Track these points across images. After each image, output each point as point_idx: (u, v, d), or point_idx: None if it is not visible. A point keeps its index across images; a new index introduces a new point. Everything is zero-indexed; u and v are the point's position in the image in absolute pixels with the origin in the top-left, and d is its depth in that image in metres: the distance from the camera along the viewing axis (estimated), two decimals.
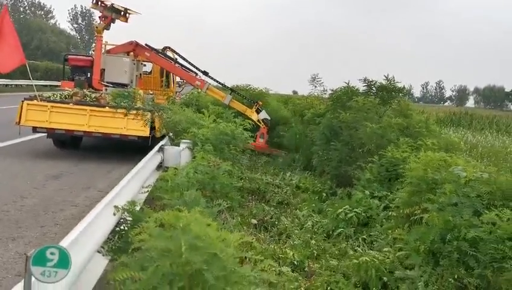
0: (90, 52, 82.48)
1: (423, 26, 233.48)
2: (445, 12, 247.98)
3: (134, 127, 9.26)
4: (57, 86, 31.92)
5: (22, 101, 9.75)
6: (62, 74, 13.44)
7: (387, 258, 4.35)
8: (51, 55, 61.67)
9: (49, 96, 10.40)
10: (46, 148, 10.90)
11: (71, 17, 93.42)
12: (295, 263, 4.65)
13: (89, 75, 11.75)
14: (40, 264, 2.04)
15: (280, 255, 4.73)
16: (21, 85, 35.52)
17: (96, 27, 11.92)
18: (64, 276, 2.06)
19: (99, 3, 11.61)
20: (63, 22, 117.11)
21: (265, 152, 11.84)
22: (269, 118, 12.16)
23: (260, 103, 12.49)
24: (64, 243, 2.63)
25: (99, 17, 11.76)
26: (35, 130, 10.05)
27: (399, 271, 4.04)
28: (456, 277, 3.70)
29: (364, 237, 5.45)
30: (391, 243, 4.78)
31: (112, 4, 11.68)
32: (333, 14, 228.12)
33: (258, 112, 12.06)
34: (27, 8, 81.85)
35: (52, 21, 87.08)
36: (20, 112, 9.65)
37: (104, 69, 11.77)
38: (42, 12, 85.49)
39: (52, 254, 2.04)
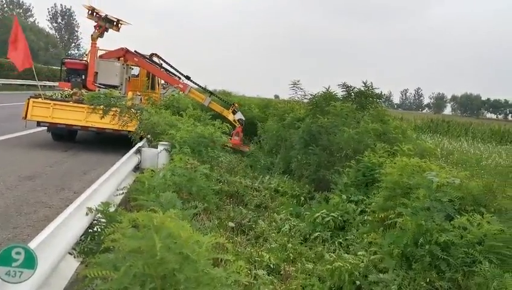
0: (69, 52, 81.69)
1: (403, 35, 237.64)
2: (425, 21, 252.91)
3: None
4: (34, 85, 31.56)
5: (28, 99, 11.04)
6: (59, 75, 14.84)
7: (362, 262, 4.39)
8: None
9: (52, 95, 11.87)
10: (20, 149, 10.69)
11: (50, 16, 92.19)
12: (271, 266, 4.65)
13: (83, 77, 13.05)
14: (5, 264, 1.99)
15: (256, 259, 4.72)
16: None
17: (92, 35, 13.19)
18: (29, 276, 2.01)
19: (95, 14, 12.93)
20: (42, 20, 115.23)
21: (239, 149, 12.52)
22: (244, 119, 13.00)
23: (236, 104, 13.43)
24: (33, 244, 2.57)
25: (94, 26, 13.06)
26: (39, 124, 11.36)
27: (373, 275, 4.07)
28: (428, 280, 3.76)
29: (340, 240, 5.49)
30: (366, 247, 4.82)
31: (106, 15, 13.05)
32: (316, 22, 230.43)
33: (234, 112, 13.01)
34: (5, 5, 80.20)
35: (31, 19, 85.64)
36: (26, 108, 10.94)
37: (97, 72, 13.01)
38: (21, 11, 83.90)
39: (17, 253, 1.99)
